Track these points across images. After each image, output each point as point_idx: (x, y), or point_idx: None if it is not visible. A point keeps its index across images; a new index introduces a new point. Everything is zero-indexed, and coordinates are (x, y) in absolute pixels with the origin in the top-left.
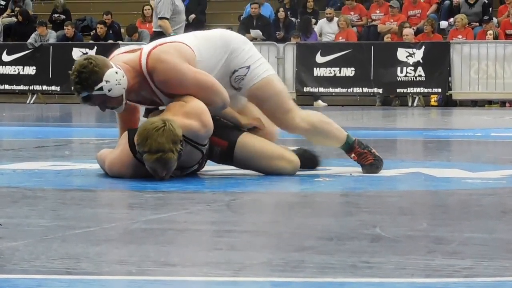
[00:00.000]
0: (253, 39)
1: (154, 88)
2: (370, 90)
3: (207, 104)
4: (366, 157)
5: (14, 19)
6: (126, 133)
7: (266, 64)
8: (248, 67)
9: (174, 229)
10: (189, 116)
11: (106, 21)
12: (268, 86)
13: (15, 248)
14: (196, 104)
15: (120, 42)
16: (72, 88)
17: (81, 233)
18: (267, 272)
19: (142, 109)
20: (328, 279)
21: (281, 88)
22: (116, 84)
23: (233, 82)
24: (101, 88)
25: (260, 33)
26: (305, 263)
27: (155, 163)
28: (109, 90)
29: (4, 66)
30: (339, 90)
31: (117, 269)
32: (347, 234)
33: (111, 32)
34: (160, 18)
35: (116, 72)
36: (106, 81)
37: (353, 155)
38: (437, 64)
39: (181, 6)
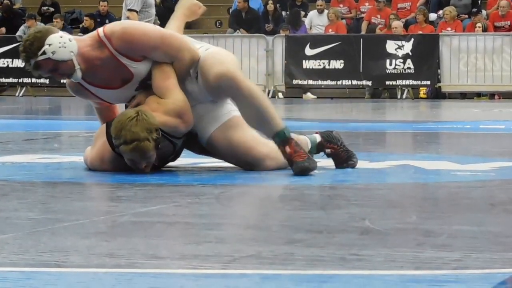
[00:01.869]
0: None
1: (115, 53)
2: (359, 82)
3: (175, 60)
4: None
5: None
6: (103, 127)
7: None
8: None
9: (163, 222)
10: (169, 113)
11: (102, 8)
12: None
13: (4, 241)
14: (177, 100)
15: None
16: (21, 60)
17: (70, 226)
18: (256, 264)
19: (122, 107)
20: (317, 271)
21: (223, 53)
22: (60, 47)
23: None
24: (44, 52)
25: None
26: (295, 256)
27: (132, 153)
28: (52, 53)
29: None
30: (328, 82)
31: (106, 262)
32: (336, 226)
33: (99, 23)
34: (129, 10)
35: (61, 36)
36: (49, 45)
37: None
38: (426, 56)
39: (152, 0)
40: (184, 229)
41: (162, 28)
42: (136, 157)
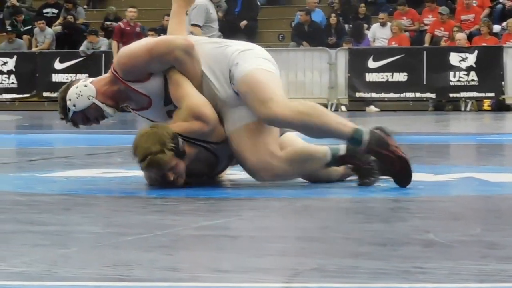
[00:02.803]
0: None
1: (127, 82)
2: (423, 95)
3: (174, 64)
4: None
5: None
6: None
7: (257, 60)
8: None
9: (226, 235)
10: (187, 119)
11: (166, 22)
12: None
13: (67, 255)
14: (190, 105)
15: None
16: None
17: (133, 240)
18: (320, 278)
19: None
20: (381, 284)
21: (263, 79)
22: (77, 97)
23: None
24: (69, 109)
25: None
26: (358, 269)
27: (149, 168)
28: (74, 106)
29: (56, 74)
30: (391, 95)
31: (169, 276)
32: (400, 239)
33: None
34: (193, 25)
35: (76, 87)
36: (69, 100)
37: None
38: (490, 68)
39: (215, 15)
40: (247, 242)
41: (147, 39)
42: (155, 171)
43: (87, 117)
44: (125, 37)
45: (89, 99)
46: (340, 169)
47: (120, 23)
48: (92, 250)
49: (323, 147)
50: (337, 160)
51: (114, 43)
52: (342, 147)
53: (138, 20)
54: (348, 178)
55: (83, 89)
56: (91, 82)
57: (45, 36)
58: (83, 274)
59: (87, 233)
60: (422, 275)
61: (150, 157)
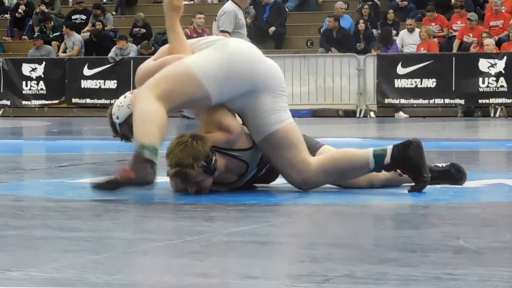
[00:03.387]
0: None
1: None
2: (452, 101)
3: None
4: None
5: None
6: None
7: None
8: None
9: (256, 241)
10: (211, 130)
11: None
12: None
13: (97, 261)
14: (211, 114)
15: None
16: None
17: (163, 246)
18: (350, 284)
19: None
20: None
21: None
22: (118, 109)
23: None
24: (115, 123)
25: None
26: (388, 275)
27: (174, 176)
28: (117, 118)
29: (85, 80)
30: (420, 101)
31: (200, 282)
32: (430, 245)
33: None
34: (222, 31)
35: (118, 100)
36: (113, 114)
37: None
38: None
39: (243, 20)
40: (277, 248)
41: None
42: (178, 182)
43: (131, 127)
44: None
45: (128, 107)
46: (382, 175)
47: (187, 30)
48: (122, 256)
49: (364, 152)
50: (381, 166)
51: None
52: (388, 155)
53: (159, 27)
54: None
55: (122, 100)
56: (131, 93)
57: (73, 43)
58: (114, 280)
59: (117, 239)
60: (453, 282)
61: (179, 168)
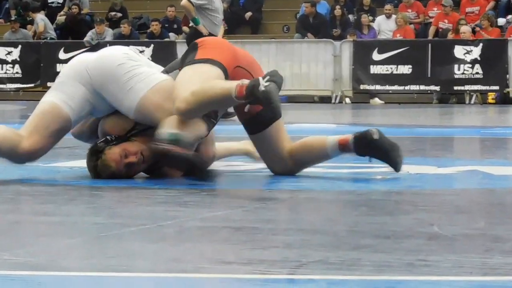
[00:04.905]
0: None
1: None
2: (427, 87)
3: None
4: None
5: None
6: None
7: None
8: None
9: (230, 227)
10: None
11: (170, 13)
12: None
13: (71, 245)
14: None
15: (177, 40)
16: None
17: (137, 231)
18: (324, 270)
19: None
20: (385, 277)
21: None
22: None
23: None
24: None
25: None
26: (362, 262)
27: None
28: None
29: (61, 64)
30: (396, 87)
31: (173, 267)
32: (403, 232)
33: (166, 28)
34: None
35: None
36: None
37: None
38: (495, 61)
39: (220, 5)
40: (251, 234)
41: None
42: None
43: None
44: None
45: None
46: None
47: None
48: (95, 241)
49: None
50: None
51: None
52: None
53: (135, 11)
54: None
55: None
56: None
57: (37, 23)
58: (87, 264)
59: (91, 224)
60: (426, 268)
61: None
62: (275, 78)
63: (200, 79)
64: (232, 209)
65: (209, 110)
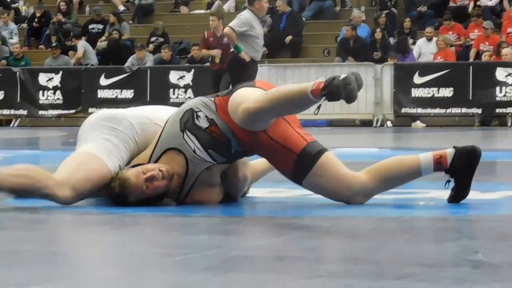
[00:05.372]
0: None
1: None
2: (469, 110)
3: None
4: None
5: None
6: None
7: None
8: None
9: (273, 256)
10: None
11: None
12: None
13: (114, 277)
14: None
15: None
16: None
17: (180, 261)
18: None
19: None
20: None
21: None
22: None
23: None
24: None
25: None
26: None
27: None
28: None
29: (102, 90)
30: (437, 110)
31: None
32: (448, 260)
33: None
34: (229, 27)
35: None
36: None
37: None
38: None
39: (260, 29)
40: (294, 263)
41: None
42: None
43: None
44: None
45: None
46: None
47: (206, 32)
48: (139, 272)
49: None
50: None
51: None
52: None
53: (176, 36)
54: None
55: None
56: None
57: (78, 50)
58: None
59: (134, 254)
60: None
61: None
62: (356, 74)
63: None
64: (274, 237)
65: (280, 113)
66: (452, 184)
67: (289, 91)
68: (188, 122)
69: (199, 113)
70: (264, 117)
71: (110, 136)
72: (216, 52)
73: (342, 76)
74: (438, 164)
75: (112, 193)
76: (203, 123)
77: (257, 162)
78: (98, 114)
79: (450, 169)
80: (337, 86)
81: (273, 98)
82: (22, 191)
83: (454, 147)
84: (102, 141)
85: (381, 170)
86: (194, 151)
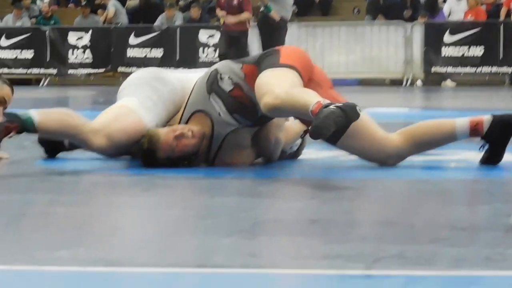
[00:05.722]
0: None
1: None
2: (499, 69)
3: None
4: None
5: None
6: None
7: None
8: None
9: (305, 219)
10: None
11: None
12: None
13: (147, 239)
14: None
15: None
16: None
17: (212, 224)
18: (400, 265)
19: None
20: (463, 272)
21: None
22: None
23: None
24: None
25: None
26: (439, 256)
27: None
28: None
29: (131, 49)
30: (468, 69)
31: (249, 262)
32: (480, 224)
33: None
34: None
35: None
36: None
37: None
38: None
39: None
40: (326, 227)
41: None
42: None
43: None
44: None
45: None
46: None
47: None
48: (171, 235)
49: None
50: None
51: None
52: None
53: None
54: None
55: None
56: None
57: (108, 9)
58: (163, 260)
59: (166, 217)
60: (504, 263)
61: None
62: (348, 109)
63: (288, 79)
64: (306, 200)
65: (293, 115)
66: (486, 147)
67: (301, 98)
68: (213, 84)
69: (223, 75)
70: (281, 114)
71: (153, 96)
72: (221, 13)
73: (331, 108)
74: (474, 131)
75: (140, 149)
76: (227, 86)
77: (293, 124)
78: (146, 71)
79: (486, 136)
80: (317, 119)
81: (288, 102)
82: (60, 135)
83: (492, 115)
84: (144, 98)
85: (415, 134)
86: (219, 114)
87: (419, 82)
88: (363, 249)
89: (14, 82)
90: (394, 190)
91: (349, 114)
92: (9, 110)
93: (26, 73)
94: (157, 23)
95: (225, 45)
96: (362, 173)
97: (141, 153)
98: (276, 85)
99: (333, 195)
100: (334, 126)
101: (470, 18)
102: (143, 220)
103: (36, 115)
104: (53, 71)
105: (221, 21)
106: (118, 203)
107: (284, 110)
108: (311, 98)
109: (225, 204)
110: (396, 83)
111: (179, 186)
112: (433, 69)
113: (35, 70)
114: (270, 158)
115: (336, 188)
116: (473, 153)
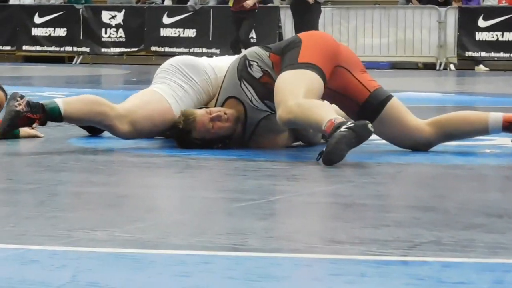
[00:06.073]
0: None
1: None
2: None
3: None
4: None
5: None
6: None
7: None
8: None
9: (339, 203)
10: None
11: None
12: None
13: (181, 221)
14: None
15: (281, 5)
16: None
17: (245, 206)
18: (437, 251)
19: None
20: (499, 260)
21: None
22: None
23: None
24: None
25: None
26: (475, 242)
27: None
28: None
29: (164, 29)
30: (501, 54)
31: (283, 246)
32: None
33: None
34: None
35: None
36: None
37: None
38: None
39: None
40: (361, 211)
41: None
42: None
43: None
44: None
45: None
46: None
47: None
48: (205, 217)
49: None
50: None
51: None
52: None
53: None
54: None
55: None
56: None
57: None
58: (197, 242)
59: (199, 198)
60: None
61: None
62: (359, 129)
63: (303, 85)
64: (340, 183)
65: (303, 128)
66: None
67: (313, 114)
68: (243, 70)
69: (251, 62)
70: (296, 126)
71: (185, 84)
72: None
73: (342, 129)
74: (508, 129)
75: (175, 129)
76: (256, 73)
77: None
78: (180, 58)
79: None
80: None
81: (300, 117)
82: (88, 121)
83: None
84: (176, 86)
85: (446, 126)
86: (251, 101)
87: (452, 66)
88: (399, 234)
89: (47, 60)
90: (428, 175)
91: (361, 134)
92: (34, 100)
93: (59, 50)
94: (190, 2)
95: (236, 28)
96: (397, 158)
97: (176, 132)
98: (290, 94)
99: (366, 179)
100: (347, 150)
101: (504, 3)
102: (177, 202)
103: (62, 103)
104: (86, 49)
105: (230, 3)
106: (151, 184)
107: (298, 124)
108: (323, 116)
109: (259, 187)
110: (429, 67)
111: (213, 167)
112: (467, 54)
113: (68, 48)
114: (310, 143)
115: (371, 172)
116: (508, 139)
